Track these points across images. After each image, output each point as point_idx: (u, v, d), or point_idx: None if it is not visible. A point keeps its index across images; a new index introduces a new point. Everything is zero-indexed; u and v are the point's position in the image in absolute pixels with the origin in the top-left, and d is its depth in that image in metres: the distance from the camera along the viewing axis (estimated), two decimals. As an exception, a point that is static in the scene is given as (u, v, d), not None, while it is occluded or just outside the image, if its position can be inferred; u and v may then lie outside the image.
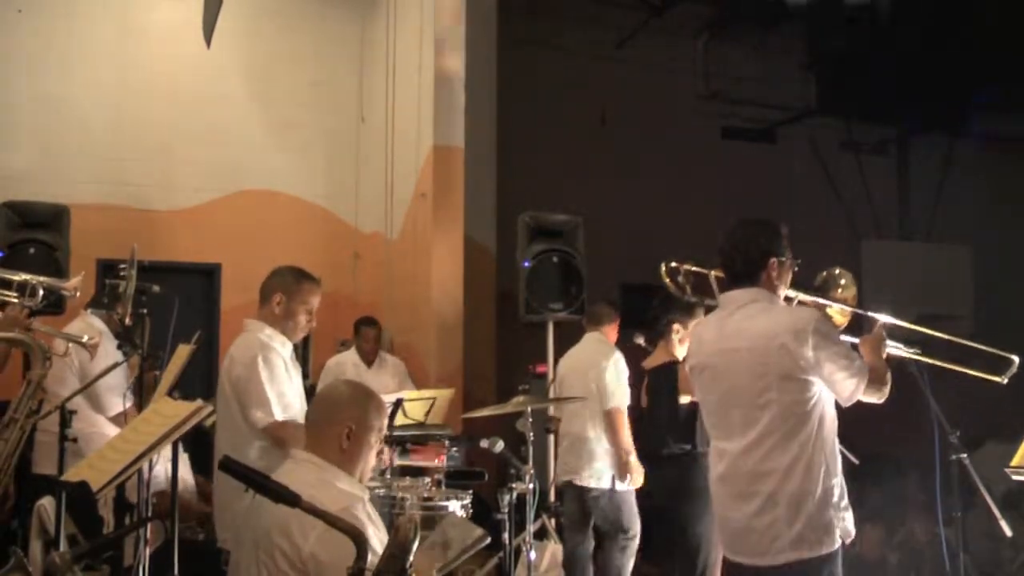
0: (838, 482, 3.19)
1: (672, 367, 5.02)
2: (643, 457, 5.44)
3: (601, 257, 7.71)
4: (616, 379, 5.63)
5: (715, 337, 3.36)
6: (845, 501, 3.19)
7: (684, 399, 4.90)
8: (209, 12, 7.56)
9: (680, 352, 5.05)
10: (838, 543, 3.14)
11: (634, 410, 5.69)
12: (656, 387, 5.05)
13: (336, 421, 2.84)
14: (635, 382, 5.74)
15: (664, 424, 4.81)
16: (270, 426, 3.74)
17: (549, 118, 9.76)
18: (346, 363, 7.17)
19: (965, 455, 3.71)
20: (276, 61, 8.89)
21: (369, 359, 7.29)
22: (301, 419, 3.91)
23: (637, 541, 5.69)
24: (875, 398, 3.26)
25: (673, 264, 3.87)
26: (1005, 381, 3.72)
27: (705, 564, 4.78)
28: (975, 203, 11.34)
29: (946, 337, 3.71)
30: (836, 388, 3.18)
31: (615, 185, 9.97)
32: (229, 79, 8.68)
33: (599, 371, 5.65)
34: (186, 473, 5.26)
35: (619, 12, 10.16)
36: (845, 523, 3.17)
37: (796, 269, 3.42)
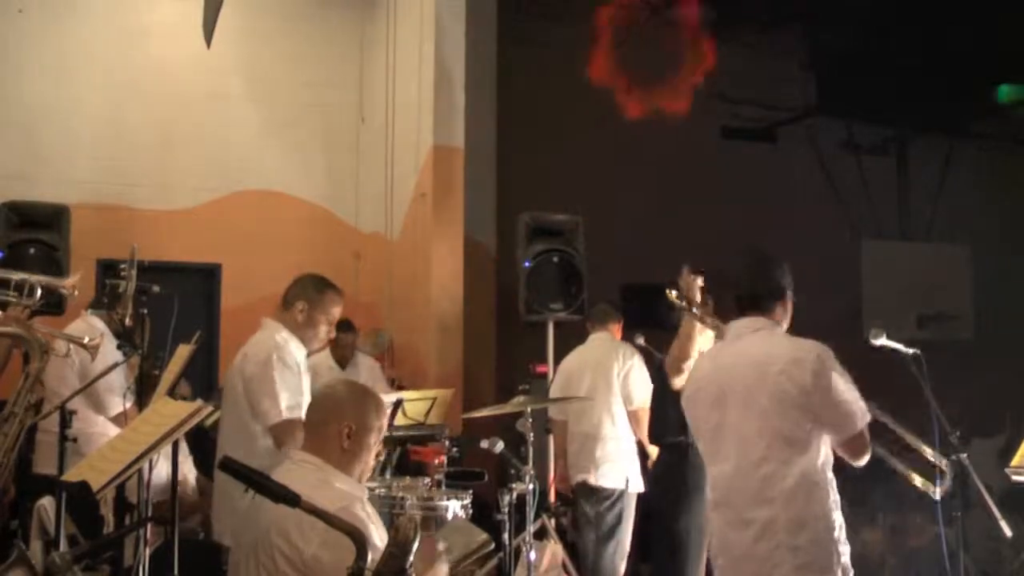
0: (839, 516, 3.17)
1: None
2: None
3: (601, 257, 7.70)
4: (643, 378, 5.61)
5: (715, 364, 3.37)
6: (845, 535, 3.17)
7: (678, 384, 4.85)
8: (209, 12, 7.56)
9: (701, 346, 5.04)
10: (840, 573, 3.11)
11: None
12: (661, 375, 5.00)
13: (336, 420, 2.84)
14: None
15: (660, 413, 4.78)
16: (277, 424, 3.75)
17: (549, 118, 9.76)
18: (321, 365, 6.88)
19: (965, 455, 3.71)
20: (276, 61, 8.89)
21: (343, 362, 7.10)
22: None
23: (627, 548, 5.66)
24: (856, 459, 3.21)
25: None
26: (938, 496, 3.70)
27: (687, 560, 4.75)
28: (975, 203, 11.34)
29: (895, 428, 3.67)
30: (831, 422, 3.13)
31: (615, 185, 9.97)
32: (229, 79, 8.68)
33: (624, 370, 5.63)
34: (189, 472, 5.26)
35: (619, 12, 10.15)
36: (845, 559, 3.14)
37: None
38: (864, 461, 3.20)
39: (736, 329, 3.36)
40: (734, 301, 3.39)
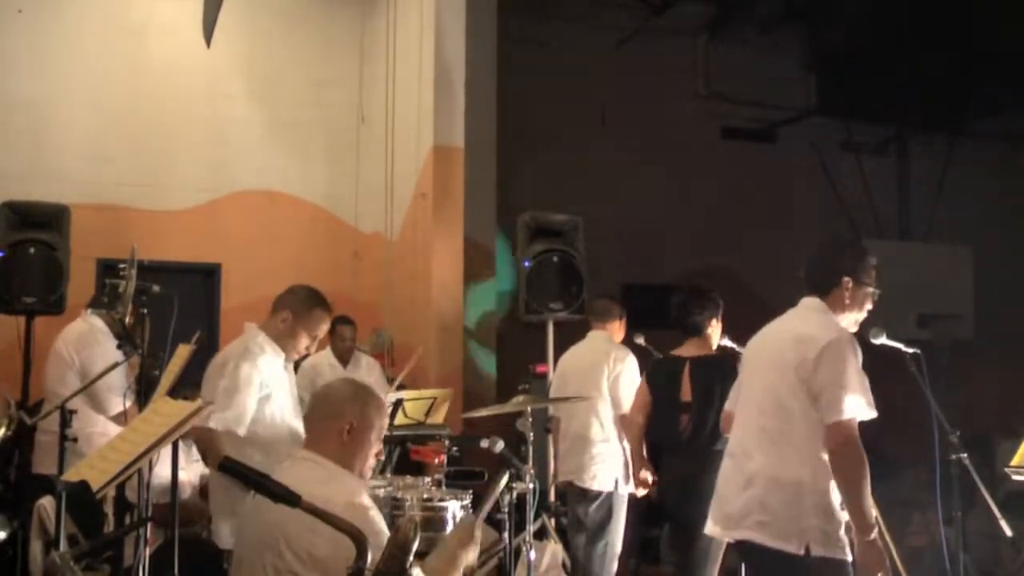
0: (829, 494, 3.21)
1: (723, 360, 4.94)
2: (673, 452, 5.30)
3: (601, 257, 7.71)
4: (632, 384, 5.50)
5: (768, 329, 3.59)
6: (833, 516, 3.20)
7: None
8: (209, 12, 7.57)
9: (715, 346, 5.04)
10: (799, 549, 3.14)
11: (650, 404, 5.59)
12: (709, 380, 4.89)
13: (337, 417, 2.87)
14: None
15: (717, 419, 4.74)
16: (198, 428, 3.68)
17: (549, 118, 9.76)
18: (322, 363, 6.89)
19: (965, 455, 3.71)
20: (276, 61, 8.89)
21: (344, 359, 7.00)
22: (291, 425, 3.91)
23: (617, 549, 5.59)
24: (833, 453, 3.20)
25: None
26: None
27: (704, 564, 4.76)
28: (975, 203, 11.35)
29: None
30: (820, 401, 3.20)
31: (615, 185, 9.97)
32: (229, 79, 8.68)
33: (615, 375, 5.53)
34: (195, 476, 5.25)
35: (619, 12, 10.16)
36: (821, 536, 3.17)
37: (875, 299, 3.50)
38: (836, 460, 3.18)
39: (797, 306, 3.53)
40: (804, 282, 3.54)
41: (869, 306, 3.48)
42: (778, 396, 3.29)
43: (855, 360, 3.23)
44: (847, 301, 3.41)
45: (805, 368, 3.21)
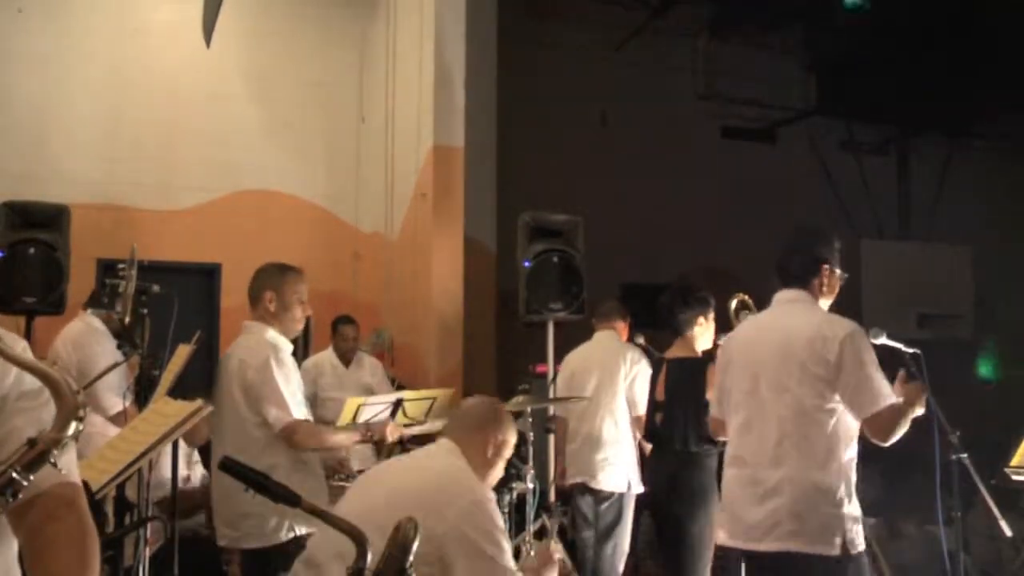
0: (852, 491, 3.23)
1: (698, 361, 4.96)
2: (654, 452, 5.33)
3: (601, 257, 7.69)
4: (646, 386, 5.48)
5: (755, 327, 3.55)
6: (856, 513, 3.22)
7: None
8: (209, 12, 7.57)
9: (701, 346, 5.01)
10: (837, 551, 3.14)
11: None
12: (679, 381, 4.98)
13: (488, 431, 3.07)
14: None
15: (689, 420, 4.75)
16: (287, 426, 3.76)
17: (549, 118, 9.76)
18: (324, 363, 6.93)
19: (965, 455, 3.71)
20: (276, 61, 8.89)
21: (347, 358, 6.99)
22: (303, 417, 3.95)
23: (625, 548, 5.61)
24: (879, 437, 3.24)
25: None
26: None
27: (697, 561, 4.76)
28: (975, 203, 11.35)
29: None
30: (852, 398, 3.20)
31: (615, 185, 9.97)
32: (229, 79, 8.68)
33: (632, 375, 5.53)
34: (195, 476, 5.25)
35: (619, 12, 10.16)
36: (852, 534, 3.18)
37: (842, 282, 3.54)
38: (889, 441, 3.24)
39: (776, 299, 3.50)
40: (776, 273, 3.50)
41: (836, 289, 3.52)
42: (799, 403, 3.21)
43: (871, 350, 3.26)
44: (824, 288, 3.45)
45: (829, 369, 3.19)
